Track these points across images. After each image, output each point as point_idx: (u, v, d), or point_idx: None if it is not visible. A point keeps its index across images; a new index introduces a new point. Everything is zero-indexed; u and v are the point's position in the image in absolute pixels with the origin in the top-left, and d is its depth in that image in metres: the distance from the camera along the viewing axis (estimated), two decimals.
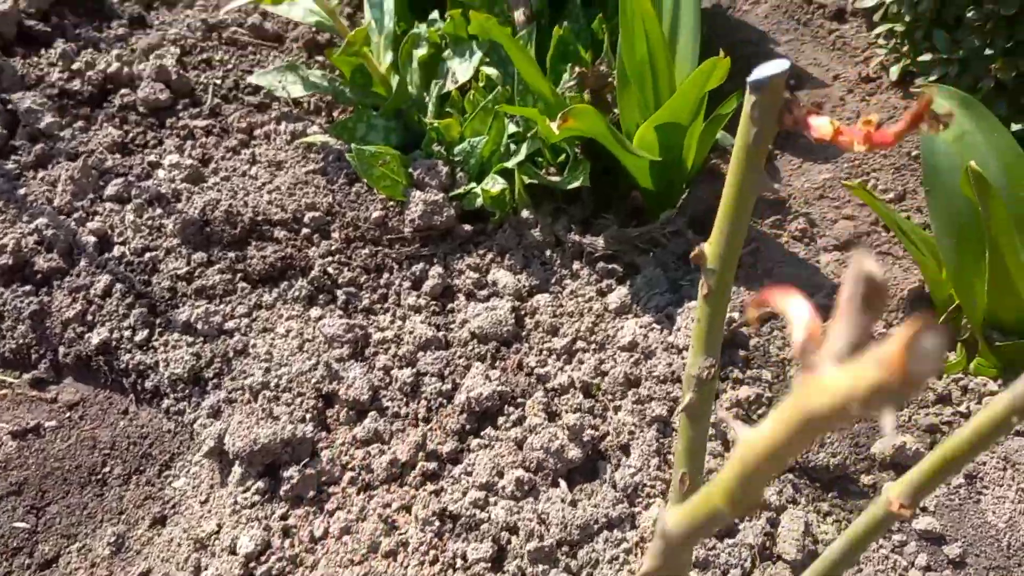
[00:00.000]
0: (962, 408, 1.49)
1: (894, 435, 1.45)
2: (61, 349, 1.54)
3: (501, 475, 1.36)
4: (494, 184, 1.71)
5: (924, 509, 1.39)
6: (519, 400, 1.49)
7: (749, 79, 0.67)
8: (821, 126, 0.66)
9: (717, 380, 0.86)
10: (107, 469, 1.45)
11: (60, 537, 1.39)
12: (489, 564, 1.25)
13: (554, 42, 1.82)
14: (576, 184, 1.72)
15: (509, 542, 1.28)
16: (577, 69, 1.79)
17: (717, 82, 1.57)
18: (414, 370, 1.52)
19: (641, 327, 1.59)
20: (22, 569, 1.35)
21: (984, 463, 1.44)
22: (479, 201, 1.74)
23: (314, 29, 2.17)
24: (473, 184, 1.75)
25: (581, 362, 1.55)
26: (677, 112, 1.60)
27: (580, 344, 1.58)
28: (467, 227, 1.75)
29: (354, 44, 1.74)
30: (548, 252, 1.74)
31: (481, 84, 1.85)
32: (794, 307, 0.39)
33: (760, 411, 1.49)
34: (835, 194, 1.87)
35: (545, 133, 1.63)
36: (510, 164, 1.74)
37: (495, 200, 1.72)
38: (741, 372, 1.53)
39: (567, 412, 1.46)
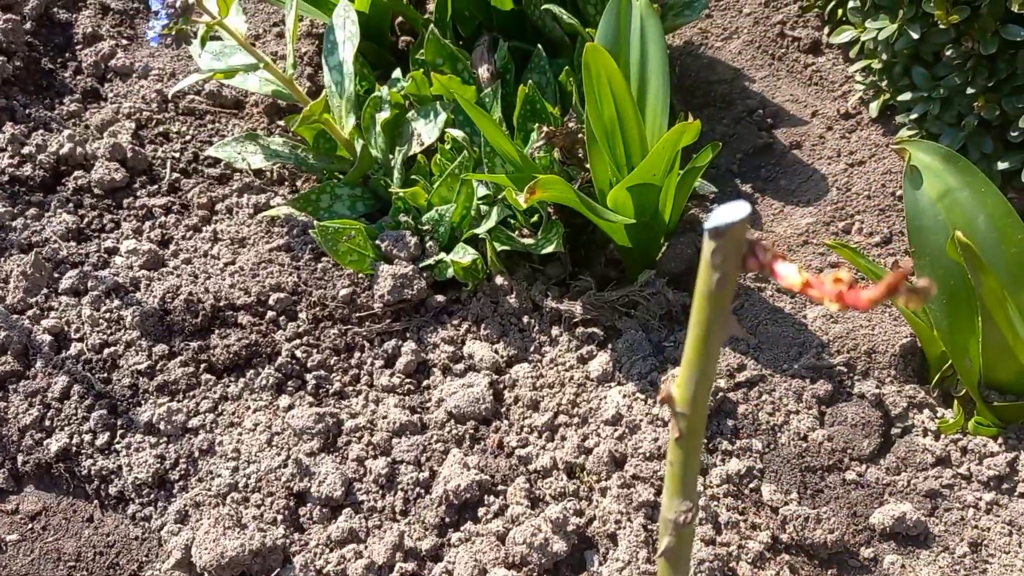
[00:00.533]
0: (962, 470, 1.43)
1: None
2: (20, 457, 1.47)
3: (484, 573, 1.30)
4: (464, 255, 1.65)
5: None
6: (499, 488, 1.42)
7: (707, 225, 0.62)
8: (788, 275, 0.61)
9: (696, 524, 0.79)
10: None
11: None
12: None
13: (520, 101, 1.76)
14: (550, 249, 1.66)
15: None
16: (544, 129, 1.73)
17: (689, 141, 1.52)
18: (389, 459, 1.45)
19: (625, 396, 1.53)
20: None
21: (988, 528, 1.38)
22: (450, 272, 1.68)
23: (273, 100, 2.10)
24: (443, 254, 1.69)
25: (564, 439, 1.49)
26: (648, 175, 1.54)
27: (562, 419, 1.52)
28: (440, 297, 1.69)
29: (312, 115, 1.68)
30: (525, 319, 1.68)
31: (448, 146, 1.79)
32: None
33: (751, 484, 1.42)
34: (819, 239, 1.82)
35: (515, 205, 1.57)
36: (480, 231, 1.68)
37: (467, 271, 1.66)
38: (730, 443, 1.47)
39: (551, 498, 1.40)
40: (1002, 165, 1.66)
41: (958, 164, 1.34)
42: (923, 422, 1.48)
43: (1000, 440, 1.44)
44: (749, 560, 1.31)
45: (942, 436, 1.46)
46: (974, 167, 1.33)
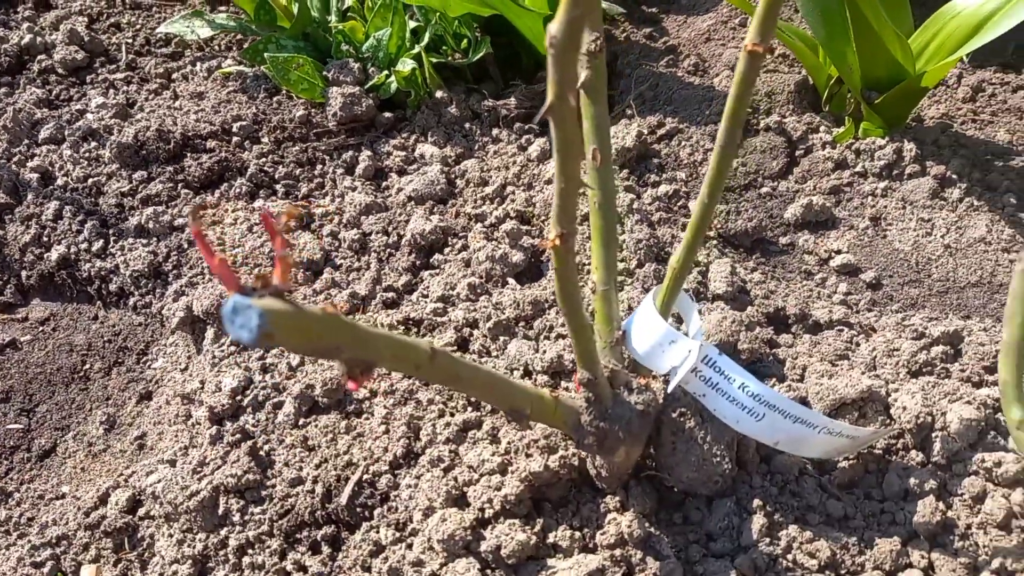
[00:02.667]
0: (857, 168, 1.64)
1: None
2: (23, 272, 1.61)
3: (454, 288, 1.47)
4: (404, 65, 1.84)
5: (839, 252, 1.53)
6: (461, 234, 1.60)
7: None
8: None
9: (604, 53, 0.98)
10: (87, 366, 1.53)
11: (54, 430, 1.45)
12: (454, 347, 1.35)
13: None
14: (480, 54, 1.86)
15: (471, 334, 1.39)
16: None
17: None
18: (360, 230, 1.62)
19: None
20: (23, 463, 1.42)
21: (886, 207, 1.58)
22: (394, 87, 1.86)
23: None
24: (385, 72, 1.87)
25: (513, 200, 1.67)
26: None
27: (509, 188, 1.70)
28: (387, 114, 1.87)
29: None
30: (467, 124, 1.86)
31: None
32: None
33: (679, 203, 1.62)
34: (719, 35, 2.03)
35: (437, 5, 1.76)
36: (416, 50, 1.87)
37: (407, 80, 1.84)
38: (657, 176, 1.67)
39: (506, 235, 1.57)
40: None
41: None
42: (821, 139, 1.69)
43: (887, 138, 1.65)
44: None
45: (838, 145, 1.68)
46: None
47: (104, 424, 1.44)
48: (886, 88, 1.60)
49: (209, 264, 0.66)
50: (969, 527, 1.07)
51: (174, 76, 2.01)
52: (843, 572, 1.05)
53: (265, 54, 1.83)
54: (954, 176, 1.59)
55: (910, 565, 1.06)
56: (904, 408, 1.16)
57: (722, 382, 1.05)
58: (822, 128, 1.71)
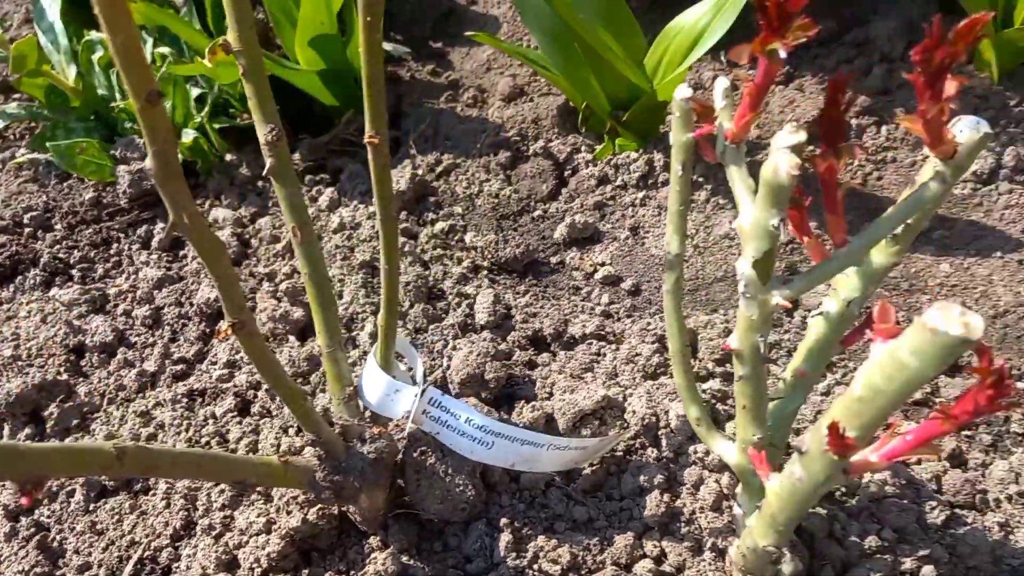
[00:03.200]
0: (617, 182, 1.76)
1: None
2: None
3: (239, 352, 1.54)
4: (187, 136, 1.89)
5: (603, 264, 1.64)
6: (249, 296, 1.66)
7: None
8: None
9: (286, 141, 1.06)
10: None
11: None
12: (235, 413, 1.42)
13: (209, 6, 2.02)
14: None
15: (254, 395, 1.46)
16: None
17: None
18: (153, 305, 1.67)
19: (349, 212, 1.79)
20: None
21: (643, 216, 1.71)
22: (180, 157, 1.91)
23: (5, 74, 2.28)
24: None
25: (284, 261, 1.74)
26: (315, 25, 1.82)
27: (276, 246, 1.77)
28: None
29: (22, 55, 1.89)
30: (260, 183, 1.92)
31: (159, 65, 2.03)
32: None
33: (456, 237, 1.71)
34: (498, 64, 2.14)
35: (206, 71, 1.82)
36: (199, 118, 1.92)
37: (193, 150, 1.90)
38: (435, 214, 1.76)
39: (287, 294, 1.65)
40: None
41: None
42: (584, 158, 1.81)
43: (640, 151, 1.78)
44: (454, 279, 1.59)
45: (599, 162, 1.79)
46: None
47: None
48: (630, 106, 1.72)
49: None
50: (692, 512, 1.19)
51: None
52: (585, 572, 1.16)
53: (48, 143, 1.87)
54: (701, 179, 1.72)
55: (644, 556, 1.17)
56: (634, 412, 1.28)
57: (450, 419, 1.14)
58: (584, 148, 1.83)
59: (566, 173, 1.82)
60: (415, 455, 1.17)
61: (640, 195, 1.73)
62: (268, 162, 1.06)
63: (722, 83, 0.95)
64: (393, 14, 2.35)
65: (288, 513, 1.19)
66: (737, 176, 0.92)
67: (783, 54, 0.79)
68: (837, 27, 2.11)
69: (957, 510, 1.21)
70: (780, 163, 0.79)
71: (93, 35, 2.08)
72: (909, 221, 0.91)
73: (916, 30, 2.01)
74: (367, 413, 1.19)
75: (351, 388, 1.16)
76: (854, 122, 1.86)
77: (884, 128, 1.84)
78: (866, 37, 2.04)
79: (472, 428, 1.14)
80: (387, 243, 1.02)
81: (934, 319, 0.61)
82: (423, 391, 1.13)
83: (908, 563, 1.12)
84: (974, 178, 1.71)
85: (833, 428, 0.71)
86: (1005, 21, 1.81)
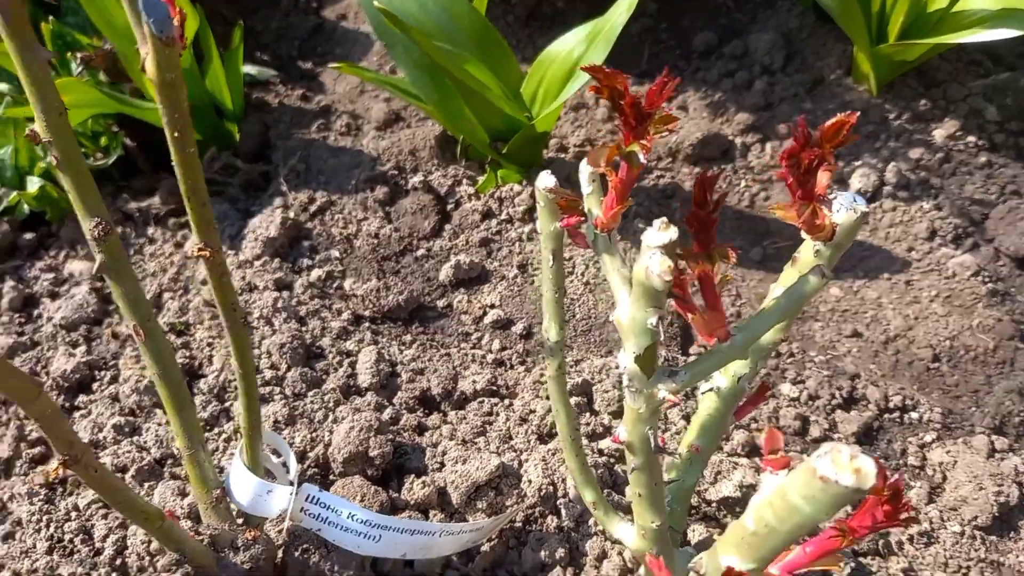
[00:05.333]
0: (503, 216, 1.69)
1: None
2: None
3: (102, 430, 1.40)
4: (32, 185, 1.72)
5: (492, 306, 1.57)
6: (111, 363, 1.53)
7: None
8: None
9: (116, 235, 0.95)
10: None
11: None
12: (100, 503, 1.30)
13: (48, 38, 1.84)
14: (114, 156, 1.77)
15: (121, 477, 1.33)
16: (80, 55, 1.83)
17: (192, 29, 1.67)
18: None
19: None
20: None
21: (532, 251, 1.64)
22: (27, 207, 1.75)
23: None
24: (15, 193, 1.75)
25: (168, 309, 1.61)
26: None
27: (166, 296, 1.64)
28: (28, 235, 1.75)
29: None
30: (120, 229, 1.77)
31: None
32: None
33: (334, 284, 1.61)
34: (372, 87, 2.03)
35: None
36: (44, 162, 1.76)
37: (40, 200, 1.73)
38: (310, 259, 1.65)
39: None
40: None
41: None
42: (466, 191, 1.73)
43: (523, 182, 1.71)
44: (333, 335, 1.49)
45: (482, 196, 1.72)
46: None
47: None
48: (509, 137, 1.65)
49: None
50: None
51: None
52: None
53: None
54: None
55: None
56: (530, 481, 1.21)
57: (331, 515, 1.06)
58: (466, 181, 1.75)
59: (448, 207, 1.74)
60: (297, 554, 1.08)
61: (526, 229, 1.67)
62: (98, 259, 0.94)
63: (586, 169, 0.88)
64: (257, 31, 2.21)
65: None
66: (611, 266, 0.86)
67: (643, 158, 0.73)
68: (716, 39, 2.09)
69: (861, 559, 1.19)
70: (652, 267, 0.73)
71: None
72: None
73: (794, 40, 2.01)
74: (238, 513, 1.09)
75: (219, 490, 1.05)
76: (738, 140, 1.84)
77: (768, 145, 1.83)
78: (745, 49, 2.02)
79: (356, 523, 1.05)
80: (238, 349, 0.92)
81: (824, 467, 0.56)
82: (297, 490, 1.04)
83: None
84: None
85: (728, 573, 0.66)
86: (880, 34, 1.82)
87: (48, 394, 0.75)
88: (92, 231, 0.91)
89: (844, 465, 0.56)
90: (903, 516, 0.68)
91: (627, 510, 1.19)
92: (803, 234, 0.78)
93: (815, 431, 1.36)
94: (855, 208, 0.79)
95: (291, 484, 1.06)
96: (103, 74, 1.87)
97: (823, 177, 0.72)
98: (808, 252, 0.84)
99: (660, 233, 0.73)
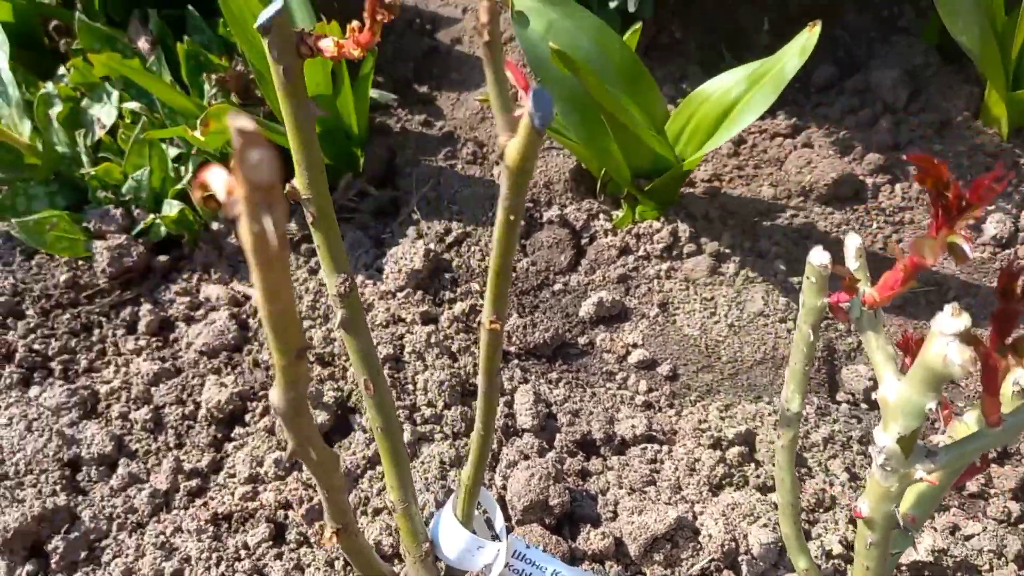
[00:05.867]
0: (640, 252, 1.70)
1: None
2: None
3: (261, 464, 1.42)
4: (170, 208, 1.74)
5: (635, 346, 1.58)
6: (261, 394, 1.54)
7: (255, 25, 0.77)
8: (327, 47, 0.78)
9: (358, 291, 0.96)
10: None
11: None
12: (271, 542, 1.31)
13: (183, 58, 1.85)
14: None
15: (286, 516, 1.35)
16: (214, 76, 1.84)
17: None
18: (151, 406, 1.53)
19: (358, 286, 1.68)
20: None
21: (670, 289, 1.65)
22: (163, 230, 1.76)
23: None
24: (152, 215, 1.76)
25: (311, 337, 1.62)
26: (311, 86, 1.69)
27: (306, 324, 1.65)
28: (163, 258, 1.77)
29: None
30: None
31: (129, 121, 1.86)
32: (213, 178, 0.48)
33: (477, 319, 1.62)
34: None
35: (196, 143, 1.67)
36: (182, 185, 1.77)
37: (178, 223, 1.75)
38: (452, 292, 1.66)
39: (313, 400, 1.53)
40: (612, 3, 1.93)
41: (554, 1, 1.58)
42: (602, 226, 1.74)
43: (661, 219, 1.71)
44: None
45: (619, 231, 1.72)
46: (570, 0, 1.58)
47: None
48: (652, 175, 1.65)
49: None
50: None
51: None
52: None
53: (13, 219, 1.69)
54: (727, 250, 1.67)
55: None
56: (710, 536, 1.22)
57: (535, 571, 1.07)
58: (602, 215, 1.75)
59: (583, 241, 1.74)
60: None
61: (664, 266, 1.67)
62: (339, 314, 0.95)
63: (854, 241, 0.89)
64: (372, 53, 2.21)
65: None
66: (875, 344, 0.86)
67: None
68: (837, 73, 2.08)
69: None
70: (952, 355, 0.73)
71: (49, 87, 1.89)
72: None
73: (918, 77, 2.00)
74: (442, 566, 1.10)
75: (427, 544, 1.06)
76: (869, 180, 1.83)
77: (898, 186, 1.82)
78: (866, 84, 2.02)
79: None
80: (484, 412, 0.92)
81: None
82: (506, 545, 1.04)
83: None
84: (993, 242, 1.71)
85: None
86: (1016, 79, 1.81)
87: (341, 469, 0.76)
88: (338, 287, 0.92)
89: None
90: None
91: None
92: None
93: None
94: None
95: (496, 539, 1.07)
96: (234, 96, 1.88)
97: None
98: None
99: (954, 320, 0.73)
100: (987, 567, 1.23)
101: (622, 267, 1.68)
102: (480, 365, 0.87)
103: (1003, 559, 1.23)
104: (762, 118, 1.99)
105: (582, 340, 1.61)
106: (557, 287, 1.67)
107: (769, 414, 1.43)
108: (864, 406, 1.50)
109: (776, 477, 1.00)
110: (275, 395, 0.64)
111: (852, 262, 0.88)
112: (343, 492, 0.78)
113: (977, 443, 0.83)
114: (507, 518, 1.27)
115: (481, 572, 1.08)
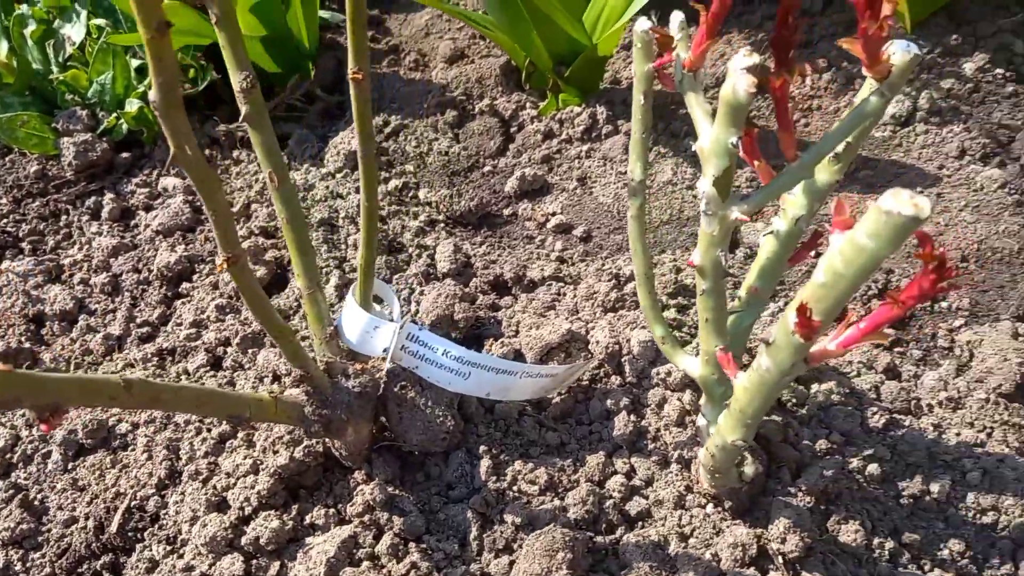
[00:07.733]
0: (563, 136, 1.83)
1: None
2: None
3: (204, 312, 1.56)
4: (131, 105, 1.89)
5: (554, 214, 1.71)
6: (208, 259, 1.68)
7: None
8: None
9: (259, 87, 1.09)
10: None
11: None
12: (208, 367, 1.45)
13: None
14: (205, 83, 1.93)
15: (224, 351, 1.49)
16: None
17: None
18: (110, 273, 1.68)
19: (301, 175, 1.82)
20: None
21: (590, 167, 1.78)
22: (125, 127, 1.91)
23: None
24: (115, 115, 1.91)
25: (256, 216, 1.76)
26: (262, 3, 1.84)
27: (253, 207, 1.79)
28: (125, 155, 1.92)
29: None
30: (207, 152, 1.93)
31: (95, 36, 2.01)
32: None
33: (410, 194, 1.76)
34: (437, 29, 2.18)
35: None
36: (142, 88, 1.92)
37: (138, 119, 1.90)
38: (387, 172, 1.80)
39: (254, 256, 1.67)
40: None
41: None
42: (529, 115, 1.88)
43: (583, 105, 1.85)
44: (412, 232, 1.64)
45: (544, 118, 1.86)
46: None
47: None
48: (571, 62, 1.79)
49: None
50: (658, 430, 1.28)
51: None
52: (561, 490, 1.23)
53: None
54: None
55: (615, 472, 1.25)
56: (598, 342, 1.35)
57: (428, 352, 1.20)
58: (528, 105, 1.90)
59: (512, 129, 1.88)
60: (396, 390, 1.23)
61: (585, 148, 1.81)
62: (243, 109, 1.09)
63: (677, 16, 1.02)
64: None
65: (275, 453, 1.24)
66: (695, 102, 0.99)
67: None
68: None
69: (895, 415, 1.32)
70: (738, 83, 0.87)
71: (23, 8, 2.05)
72: (849, 139, 1.01)
73: None
74: (346, 352, 1.23)
75: (331, 327, 1.20)
76: None
77: (808, 79, 1.95)
78: None
79: (449, 360, 1.20)
80: (367, 179, 1.06)
81: (887, 203, 0.69)
82: (402, 326, 1.18)
83: (855, 462, 1.23)
84: (893, 121, 1.84)
85: (801, 310, 0.79)
86: None
87: (228, 196, 0.89)
88: (241, 83, 1.06)
89: (905, 201, 0.69)
90: (946, 283, 0.81)
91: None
92: (864, 72, 0.91)
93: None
94: (909, 50, 0.92)
95: (395, 322, 1.20)
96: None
97: (886, 7, 0.85)
98: (866, 93, 0.96)
99: (746, 58, 0.87)
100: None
101: (546, 149, 1.82)
102: (355, 126, 1.01)
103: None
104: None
105: (507, 211, 1.75)
106: (487, 169, 1.81)
107: (670, 261, 1.57)
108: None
109: (631, 249, 1.14)
110: (151, 91, 0.78)
111: (676, 33, 1.02)
112: (230, 218, 0.92)
113: (780, 180, 0.96)
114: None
115: (381, 356, 1.21)
